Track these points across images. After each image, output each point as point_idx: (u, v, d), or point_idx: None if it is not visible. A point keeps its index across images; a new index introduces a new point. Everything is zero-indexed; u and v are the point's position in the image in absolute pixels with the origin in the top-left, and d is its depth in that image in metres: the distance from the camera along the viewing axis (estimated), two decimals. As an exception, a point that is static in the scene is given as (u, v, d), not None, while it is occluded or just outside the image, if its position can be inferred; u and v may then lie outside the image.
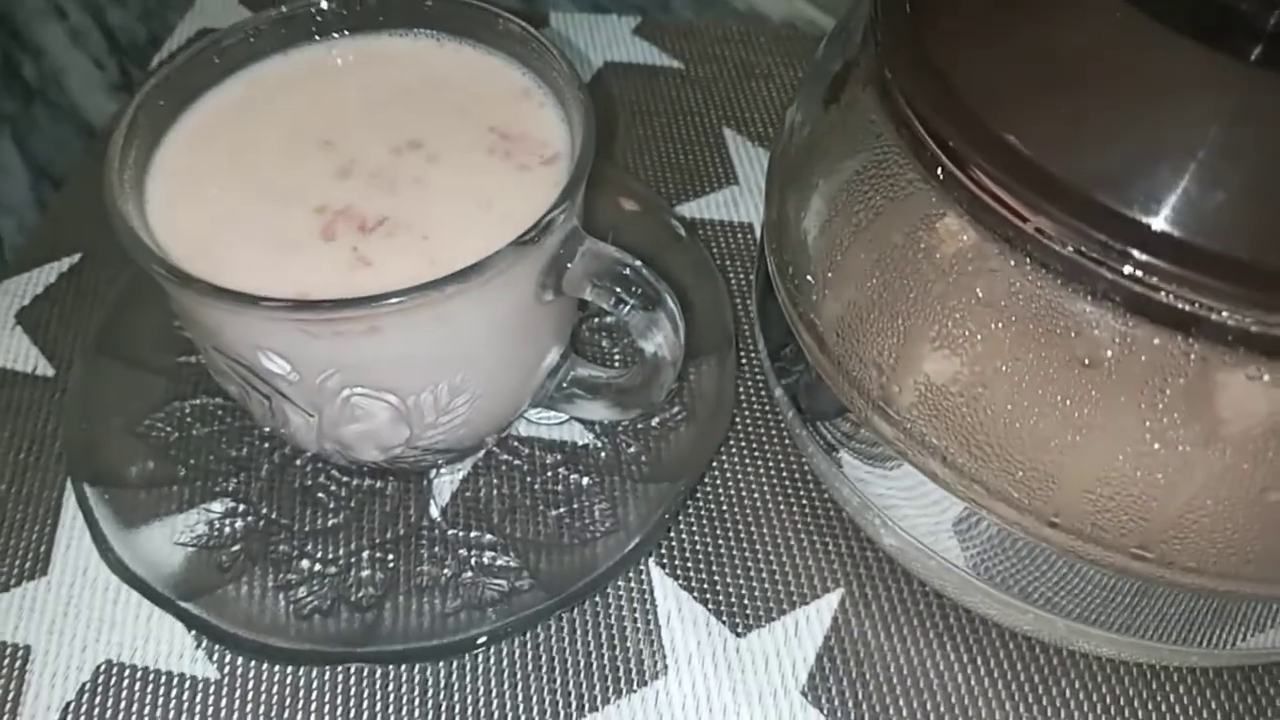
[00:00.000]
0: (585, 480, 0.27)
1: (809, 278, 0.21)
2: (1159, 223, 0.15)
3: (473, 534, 0.26)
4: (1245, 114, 0.16)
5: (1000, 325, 0.17)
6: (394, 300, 0.19)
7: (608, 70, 0.39)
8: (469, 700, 0.24)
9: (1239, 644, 0.20)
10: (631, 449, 0.27)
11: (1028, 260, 0.16)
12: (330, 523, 0.26)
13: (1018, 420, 0.17)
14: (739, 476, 0.27)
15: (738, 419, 0.28)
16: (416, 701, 0.24)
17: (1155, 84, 0.17)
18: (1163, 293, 0.15)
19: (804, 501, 0.27)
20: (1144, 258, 0.15)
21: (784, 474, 0.27)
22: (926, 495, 0.21)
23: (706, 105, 0.37)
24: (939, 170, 0.17)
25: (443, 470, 0.27)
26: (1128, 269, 0.15)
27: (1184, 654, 0.21)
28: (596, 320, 0.30)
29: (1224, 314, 0.15)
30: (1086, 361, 0.16)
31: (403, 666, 0.24)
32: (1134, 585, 0.19)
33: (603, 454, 0.27)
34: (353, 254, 0.21)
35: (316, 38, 0.24)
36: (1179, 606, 0.19)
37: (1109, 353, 0.16)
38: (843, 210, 0.20)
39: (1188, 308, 0.15)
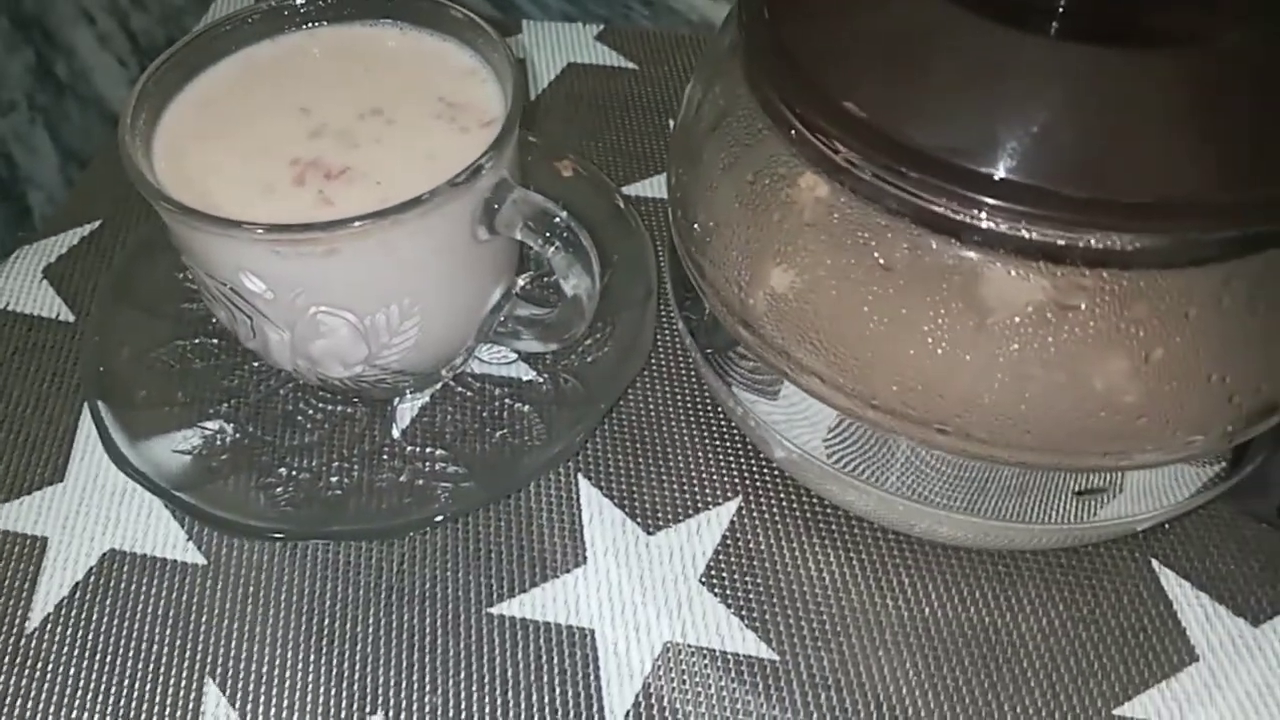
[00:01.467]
0: (526, 408, 0.31)
1: (695, 225, 0.25)
2: (934, 151, 0.20)
3: (427, 449, 0.30)
4: (1012, 72, 0.20)
5: (821, 241, 0.21)
6: (353, 225, 0.24)
7: (570, 70, 0.43)
8: (415, 579, 0.28)
9: (1059, 522, 0.24)
10: (569, 383, 0.32)
11: (840, 185, 0.21)
12: (306, 440, 0.31)
13: (838, 318, 0.22)
14: (654, 403, 0.32)
15: (657, 356, 0.33)
16: (372, 581, 0.28)
17: (953, 57, 0.21)
18: (938, 206, 0.20)
19: (708, 422, 0.31)
20: (923, 178, 0.20)
21: (692, 400, 0.32)
22: (801, 411, 0.25)
23: (656, 101, 0.42)
24: (777, 120, 0.22)
25: (405, 399, 0.31)
26: (911, 188, 0.20)
27: (1019, 530, 0.25)
28: (548, 279, 0.35)
29: (984, 221, 0.19)
30: (884, 264, 0.21)
31: (361, 548, 0.28)
32: (966, 469, 0.23)
33: (544, 387, 0.32)
34: (318, 195, 0.25)
35: (299, 26, 0.29)
36: (1004, 485, 0.23)
37: (901, 258, 0.21)
38: (713, 160, 0.24)
39: (957, 217, 0.20)
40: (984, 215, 0.19)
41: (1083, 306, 0.20)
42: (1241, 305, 0.20)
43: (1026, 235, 0.19)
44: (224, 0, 0.47)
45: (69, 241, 0.37)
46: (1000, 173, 0.19)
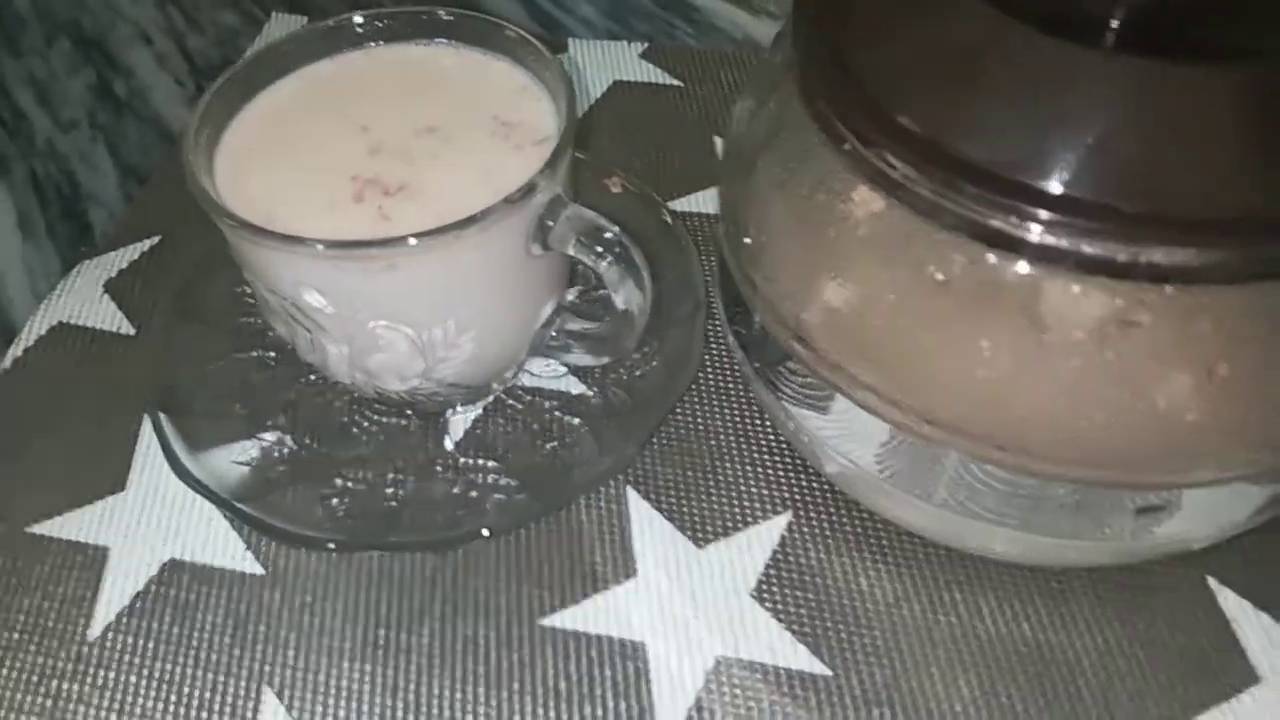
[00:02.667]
0: (577, 421, 0.31)
1: (746, 239, 0.26)
2: (990, 165, 0.20)
3: (479, 461, 0.31)
4: (1069, 86, 0.20)
5: (877, 256, 0.22)
6: (411, 242, 0.24)
7: (616, 88, 0.44)
8: (468, 591, 0.28)
9: (1113, 537, 0.24)
10: (619, 397, 0.32)
11: (895, 200, 0.21)
12: (362, 452, 0.31)
13: (894, 333, 0.22)
14: (704, 417, 0.32)
15: (706, 370, 0.33)
16: (426, 592, 0.28)
17: (1009, 72, 0.21)
18: (995, 221, 0.20)
19: (758, 437, 0.31)
20: (980, 192, 0.20)
21: (741, 415, 0.32)
22: (853, 425, 0.25)
23: (701, 118, 0.42)
24: (832, 135, 0.22)
25: (457, 411, 0.32)
26: (968, 202, 0.20)
27: (1073, 547, 0.25)
28: (595, 293, 0.35)
29: (1042, 236, 0.19)
30: (941, 279, 0.21)
31: (415, 559, 0.29)
32: (1021, 485, 0.23)
33: (594, 400, 0.32)
34: (377, 211, 0.26)
35: (357, 46, 0.30)
36: (1060, 502, 0.23)
37: (958, 273, 0.21)
38: (766, 174, 0.24)
39: (1015, 232, 0.20)
40: (1042, 230, 0.19)
41: (1145, 322, 0.19)
42: (1306, 321, 0.20)
43: (1086, 250, 0.19)
44: (277, 21, 0.48)
45: (129, 256, 0.38)
46: (1058, 187, 0.19)
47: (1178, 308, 0.19)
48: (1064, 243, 0.19)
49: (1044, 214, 0.19)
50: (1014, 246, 0.20)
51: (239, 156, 0.27)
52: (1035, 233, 0.19)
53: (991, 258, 0.20)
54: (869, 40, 0.23)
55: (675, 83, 0.44)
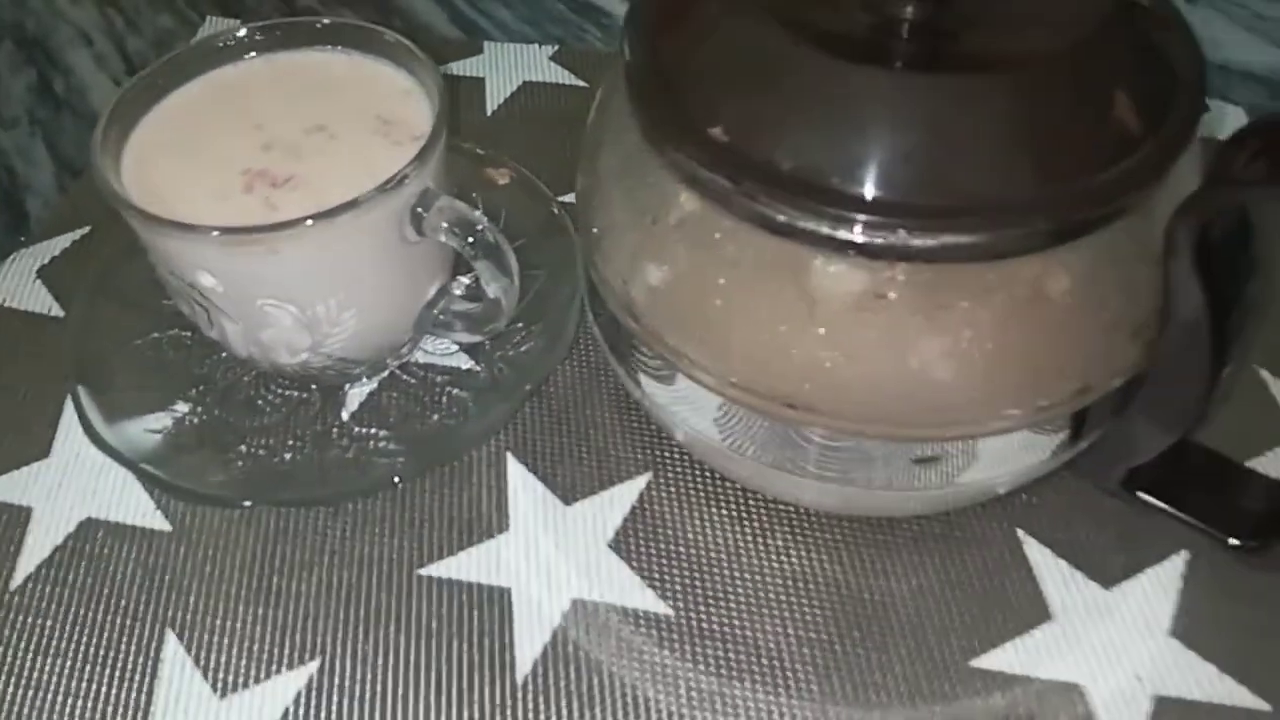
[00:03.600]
0: (463, 393, 0.35)
1: (594, 228, 0.29)
2: (772, 167, 0.23)
3: (371, 430, 0.34)
4: (838, 98, 0.24)
5: (684, 242, 0.25)
6: (292, 227, 0.27)
7: (525, 88, 0.47)
8: (355, 544, 0.32)
9: (916, 488, 0.27)
10: (502, 371, 0.35)
11: (697, 191, 0.24)
12: (265, 422, 0.34)
13: (699, 307, 0.25)
14: (577, 390, 0.35)
15: (581, 349, 0.36)
16: (316, 545, 0.32)
17: (794, 88, 0.24)
18: (775, 213, 0.23)
19: (623, 408, 0.34)
20: (763, 186, 0.23)
21: (609, 388, 0.35)
22: (692, 396, 0.28)
23: (603, 115, 0.45)
24: (652, 139, 0.25)
25: (354, 385, 0.35)
26: (754, 195, 0.23)
27: (882, 496, 0.28)
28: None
29: (805, 223, 0.23)
30: (733, 261, 0.24)
31: (308, 516, 0.32)
32: (831, 442, 0.26)
33: (480, 375, 0.35)
34: (265, 202, 0.29)
35: (254, 53, 0.33)
36: (861, 455, 0.26)
37: (746, 255, 0.24)
38: (608, 170, 0.28)
39: (789, 221, 0.23)
40: (809, 218, 0.23)
41: (893, 296, 0.23)
42: (1039, 294, 0.23)
43: (843, 235, 0.22)
44: (210, 24, 0.51)
45: (61, 245, 0.41)
46: (824, 183, 0.22)
47: (921, 284, 0.23)
48: (826, 229, 0.22)
49: (808, 204, 0.22)
50: (788, 233, 0.23)
51: (143, 153, 0.30)
52: (801, 220, 0.23)
53: (770, 242, 0.23)
54: (687, 55, 0.26)
55: (581, 84, 0.47)
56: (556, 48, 0.49)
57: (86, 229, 0.41)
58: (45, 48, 0.51)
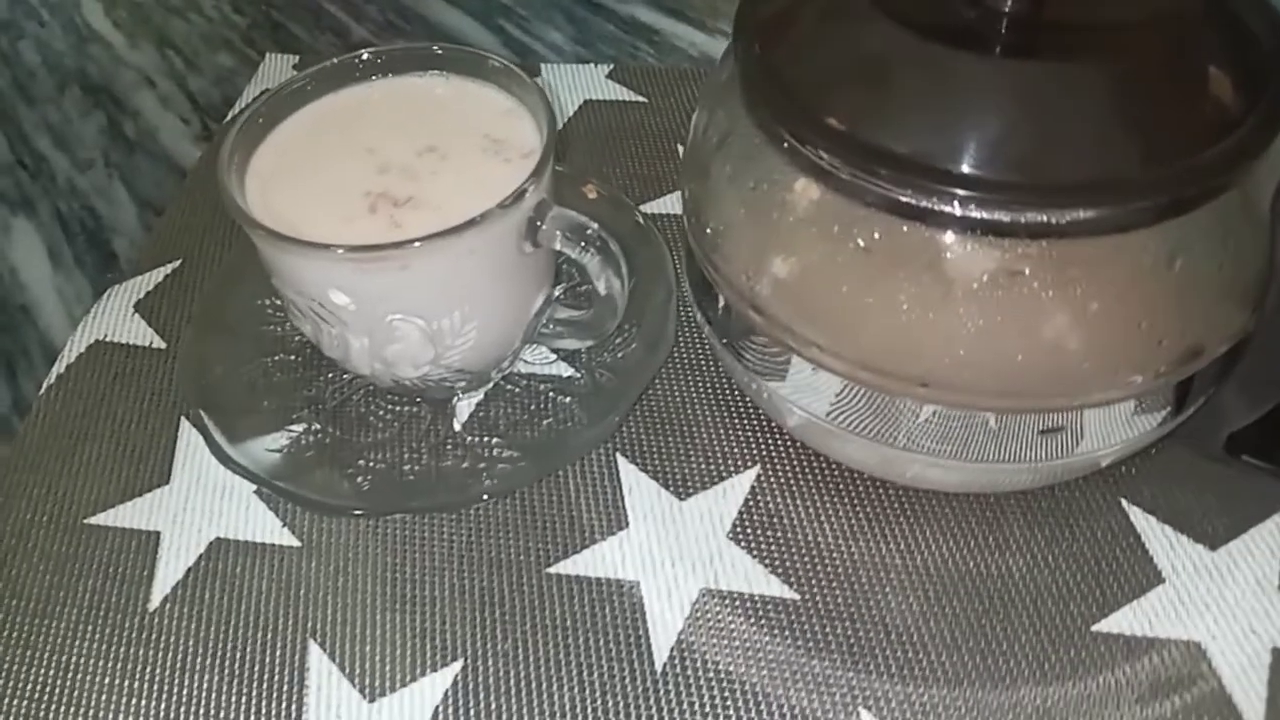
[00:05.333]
0: (568, 399, 0.36)
1: (708, 230, 0.30)
2: (898, 153, 0.24)
3: (484, 439, 0.35)
4: (958, 86, 0.25)
5: (812, 233, 0.26)
6: (415, 244, 0.28)
7: (586, 107, 0.48)
8: (481, 548, 0.33)
9: (1031, 460, 0.28)
10: (604, 377, 0.36)
11: (825, 185, 0.25)
12: (379, 438, 0.35)
13: (830, 295, 0.26)
14: (680, 389, 0.36)
15: (679, 349, 0.37)
16: (445, 551, 0.33)
17: (910, 77, 0.26)
18: (903, 196, 0.24)
19: (727, 403, 0.36)
20: (891, 174, 0.24)
21: (712, 384, 0.36)
22: (808, 382, 0.29)
23: (665, 129, 0.47)
24: (772, 136, 0.26)
25: (462, 397, 0.36)
26: (882, 183, 0.24)
27: (997, 470, 0.29)
28: (579, 288, 0.39)
29: (941, 205, 0.24)
30: (864, 248, 0.25)
31: (433, 523, 0.33)
32: (950, 417, 0.27)
33: (582, 381, 0.36)
34: (389, 220, 0.30)
35: (360, 80, 0.34)
36: (982, 429, 0.27)
37: (877, 242, 0.25)
38: (720, 173, 0.29)
39: (920, 204, 0.24)
40: (940, 201, 0.24)
41: (1026, 272, 0.24)
42: (1160, 264, 0.25)
43: (975, 215, 0.24)
44: (270, 61, 0.52)
45: (154, 280, 0.42)
46: (952, 167, 0.24)
47: (1052, 258, 0.24)
48: (958, 211, 0.24)
49: (941, 188, 0.24)
50: (919, 216, 0.24)
51: (265, 179, 0.32)
52: (935, 204, 0.24)
53: (904, 227, 0.25)
54: (798, 55, 0.27)
55: (640, 99, 0.49)
56: (612, 66, 0.50)
57: (177, 262, 0.42)
58: (110, 92, 0.53)
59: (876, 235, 0.25)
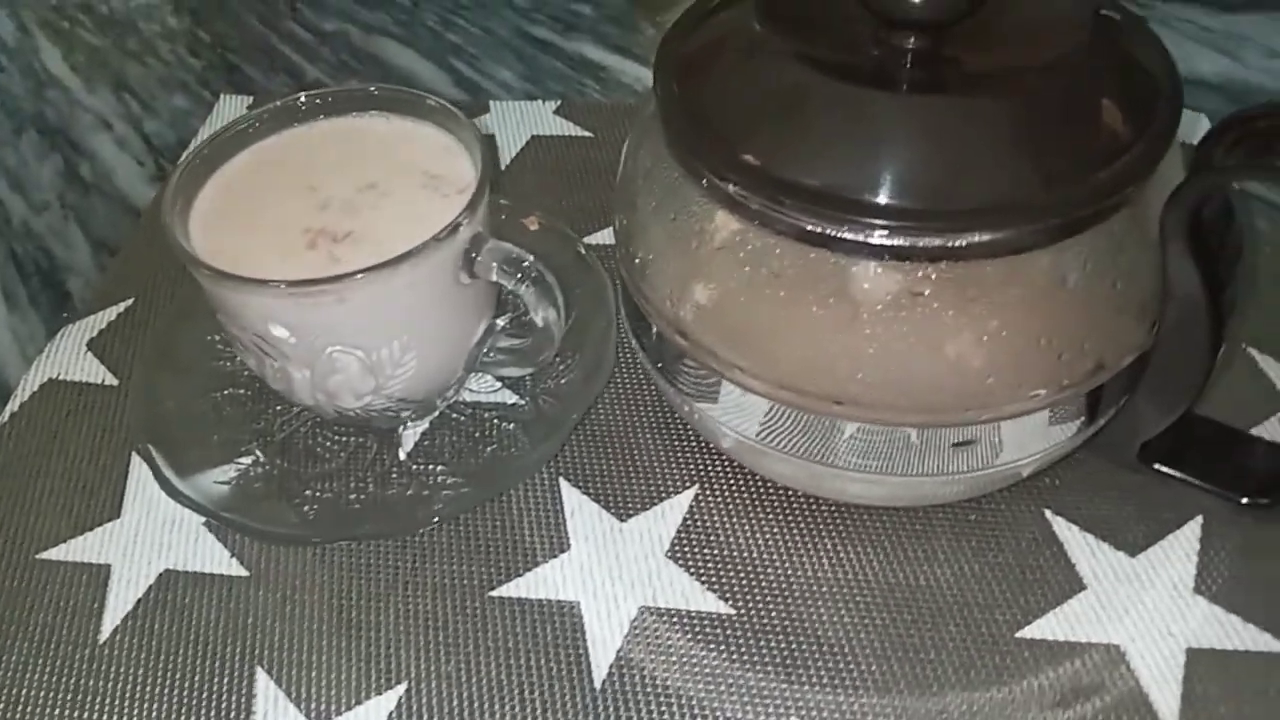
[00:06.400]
0: (512, 426, 0.37)
1: (636, 259, 0.31)
2: (806, 184, 0.26)
3: (429, 466, 0.36)
4: (860, 120, 0.26)
5: (728, 260, 0.27)
6: (356, 277, 0.29)
7: (533, 142, 0.50)
8: (426, 573, 0.33)
9: (951, 472, 0.30)
10: (547, 403, 0.37)
11: (740, 217, 0.27)
12: (326, 468, 0.36)
13: (747, 319, 0.27)
14: (620, 414, 0.37)
15: (620, 375, 0.38)
16: (390, 577, 0.33)
17: (817, 113, 0.27)
18: (810, 225, 0.26)
19: (665, 426, 0.37)
20: (799, 204, 0.25)
21: (650, 408, 0.37)
22: (738, 404, 0.30)
23: (610, 164, 0.47)
24: (688, 167, 0.28)
25: (408, 426, 0.37)
26: (791, 213, 0.26)
27: (920, 482, 0.30)
28: (524, 317, 0.40)
29: (845, 233, 0.25)
30: (776, 274, 0.26)
31: (379, 550, 0.34)
32: (871, 434, 0.28)
33: (525, 408, 0.37)
34: (328, 256, 0.31)
35: (301, 121, 0.35)
36: (900, 444, 0.29)
37: (788, 268, 0.26)
38: (645, 205, 0.30)
39: (826, 232, 0.25)
40: (845, 229, 0.25)
41: (927, 293, 0.25)
42: (1056, 283, 0.26)
43: (877, 241, 0.25)
44: (225, 102, 0.53)
45: (107, 318, 0.43)
46: (856, 196, 0.25)
47: (951, 281, 0.25)
48: (860, 237, 0.25)
49: (843, 216, 0.25)
50: (825, 243, 0.26)
51: (208, 219, 0.33)
52: (839, 231, 0.25)
53: (811, 254, 0.26)
54: (714, 93, 0.29)
55: (586, 134, 0.50)
56: (559, 102, 0.51)
57: (130, 300, 0.43)
58: (68, 135, 0.54)
59: (787, 262, 0.26)
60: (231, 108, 0.53)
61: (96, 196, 0.50)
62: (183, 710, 0.31)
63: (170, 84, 0.56)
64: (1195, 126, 0.48)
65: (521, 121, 0.51)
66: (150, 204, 0.48)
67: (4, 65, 0.59)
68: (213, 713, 0.31)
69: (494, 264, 0.32)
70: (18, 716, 0.31)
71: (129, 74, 0.57)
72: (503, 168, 0.48)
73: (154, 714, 0.31)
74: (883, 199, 0.25)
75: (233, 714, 0.31)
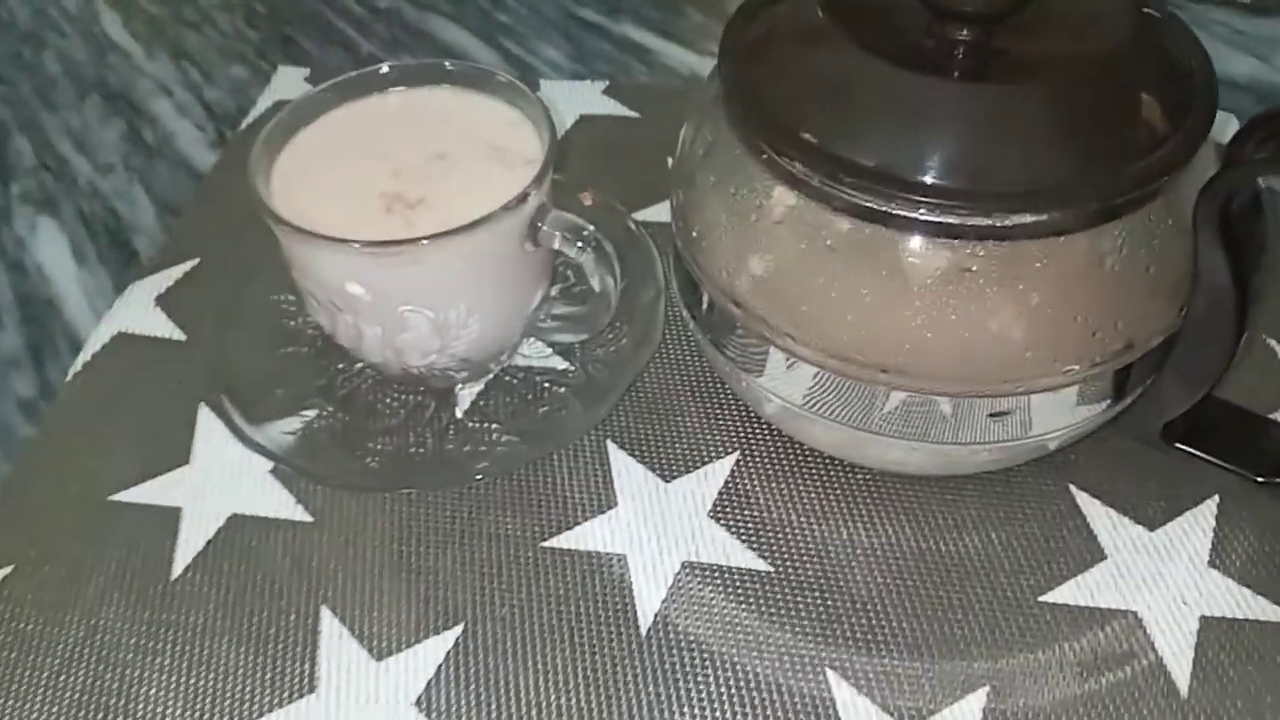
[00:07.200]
0: (562, 390, 0.39)
1: (694, 233, 0.33)
2: (862, 163, 0.27)
3: (484, 424, 0.38)
4: (914, 104, 0.28)
5: (786, 234, 0.29)
6: (426, 241, 0.31)
7: (583, 121, 0.51)
8: (482, 523, 0.35)
9: (985, 441, 0.31)
10: (596, 369, 0.39)
11: (797, 192, 0.28)
12: (387, 423, 0.38)
13: (802, 290, 0.29)
14: (666, 381, 0.39)
15: (665, 345, 0.40)
16: (447, 525, 0.35)
17: (872, 96, 0.29)
18: (867, 202, 0.27)
19: (709, 393, 0.39)
20: (856, 182, 0.27)
21: (696, 377, 0.39)
22: (783, 371, 0.32)
23: (656, 143, 0.49)
24: (751, 145, 0.29)
25: (464, 387, 0.39)
26: (847, 190, 0.27)
27: (954, 450, 0.32)
28: (574, 289, 0.42)
29: (900, 210, 0.27)
30: (832, 247, 0.28)
31: (437, 500, 0.36)
32: (910, 402, 0.30)
33: (575, 373, 0.39)
34: (403, 220, 0.33)
35: (374, 92, 0.37)
36: (938, 413, 0.30)
37: (843, 242, 0.28)
38: (704, 181, 0.32)
39: (881, 209, 0.27)
40: (898, 206, 0.27)
41: (974, 269, 0.27)
42: (1094, 265, 0.28)
43: (929, 219, 0.27)
44: (281, 74, 0.55)
45: (174, 276, 0.45)
46: (909, 176, 0.27)
47: (997, 259, 0.27)
48: (913, 214, 0.27)
49: (899, 195, 0.27)
50: (879, 219, 0.27)
51: (289, 180, 0.34)
52: (893, 208, 0.27)
53: (866, 229, 0.28)
54: (776, 76, 0.30)
55: (633, 114, 0.52)
56: (608, 83, 0.53)
57: (195, 260, 0.45)
58: (130, 100, 0.55)
59: (842, 237, 0.28)
60: (289, 80, 0.55)
61: (159, 160, 0.52)
62: (253, 644, 0.33)
63: (228, 54, 0.58)
64: (1225, 126, 0.49)
65: (570, 100, 0.52)
66: (213, 168, 0.50)
67: (67, 31, 0.61)
68: (281, 647, 0.33)
69: (557, 233, 0.34)
70: (97, 641, 0.33)
71: (188, 43, 0.59)
72: (552, 145, 0.50)
73: (225, 646, 0.33)
74: (934, 180, 0.27)
75: (299, 648, 0.33)
